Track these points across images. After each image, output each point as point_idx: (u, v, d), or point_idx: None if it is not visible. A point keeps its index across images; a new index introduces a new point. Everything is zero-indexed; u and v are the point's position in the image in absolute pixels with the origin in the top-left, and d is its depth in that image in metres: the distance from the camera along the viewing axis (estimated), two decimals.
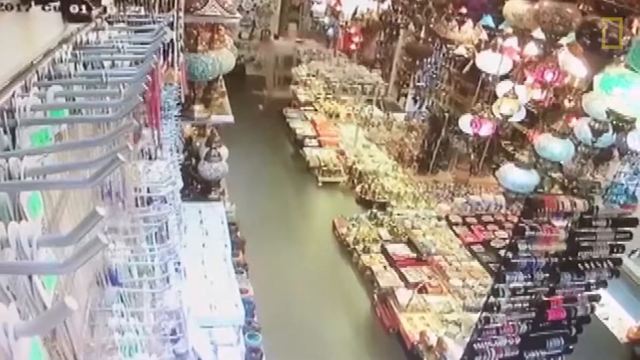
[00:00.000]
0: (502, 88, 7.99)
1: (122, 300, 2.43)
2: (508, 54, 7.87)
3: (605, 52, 5.27)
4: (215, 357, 4.99)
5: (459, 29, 9.81)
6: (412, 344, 8.43)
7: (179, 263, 3.48)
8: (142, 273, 2.62)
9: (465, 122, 8.93)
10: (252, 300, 7.06)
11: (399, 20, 14.73)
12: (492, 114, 8.08)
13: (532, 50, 7.48)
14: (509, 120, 8.05)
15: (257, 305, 7.17)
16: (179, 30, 4.62)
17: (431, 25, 11.01)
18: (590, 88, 5.74)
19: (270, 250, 10.41)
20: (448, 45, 11.15)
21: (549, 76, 7.45)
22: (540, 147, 7.03)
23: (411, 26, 13.12)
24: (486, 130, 8.45)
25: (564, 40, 6.18)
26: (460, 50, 11.22)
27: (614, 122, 4.82)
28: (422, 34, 11.96)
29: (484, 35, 8.95)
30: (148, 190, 2.96)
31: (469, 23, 8.98)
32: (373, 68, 18.49)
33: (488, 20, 7.73)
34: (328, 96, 17.45)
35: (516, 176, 7.19)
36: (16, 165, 1.30)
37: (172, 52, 3.88)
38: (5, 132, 1.45)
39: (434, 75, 14.05)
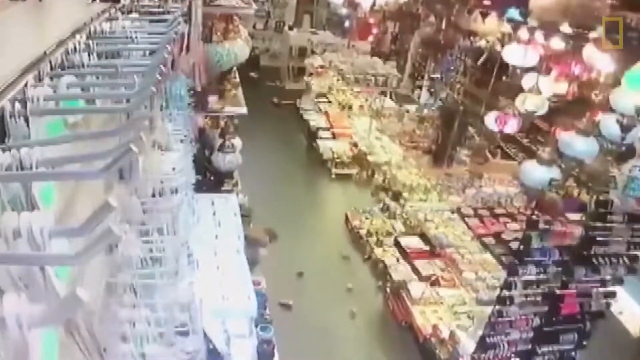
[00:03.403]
0: (528, 81, 7.95)
1: (133, 292, 2.43)
2: (534, 47, 7.82)
3: (634, 47, 5.24)
4: (228, 348, 4.99)
5: (483, 21, 9.77)
6: (424, 337, 8.43)
7: (191, 255, 3.48)
8: (154, 264, 2.62)
9: (490, 118, 8.88)
10: (264, 292, 7.06)
11: (419, 12, 14.68)
12: (517, 110, 8.05)
13: (557, 44, 7.45)
14: (533, 116, 8.02)
15: (268, 297, 7.17)
16: (197, 19, 4.61)
17: (452, 18, 10.98)
18: (618, 83, 5.69)
19: (283, 242, 10.42)
20: (471, 38, 11.13)
21: (577, 69, 7.44)
22: (564, 144, 6.98)
23: (431, 18, 13.07)
24: (512, 126, 8.41)
25: (592, 35, 6.15)
26: (481, 43, 11.18)
27: None
28: (443, 26, 11.93)
29: (506, 28, 8.92)
30: (161, 182, 2.95)
31: (492, 15, 8.96)
32: (388, 60, 18.45)
33: (513, 13, 7.71)
34: (342, 88, 17.40)
35: (537, 173, 7.14)
36: (28, 155, 1.29)
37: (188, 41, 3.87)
38: (16, 122, 1.44)
39: (450, 68, 14.01)
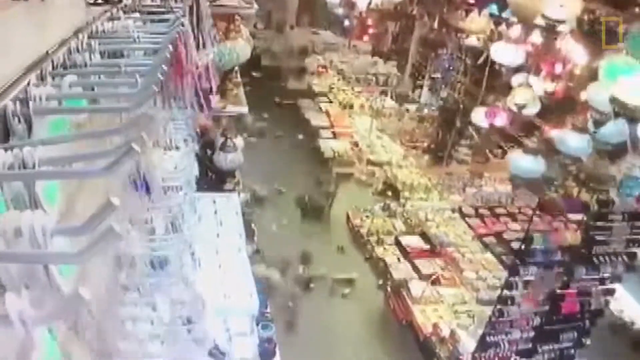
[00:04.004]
0: (517, 79, 8.00)
1: (136, 290, 2.43)
2: (521, 45, 7.87)
3: (606, 39, 5.31)
4: (229, 346, 5.00)
5: (466, 17, 9.81)
6: (424, 335, 8.44)
7: (193, 253, 3.49)
8: (156, 263, 2.63)
9: (478, 114, 8.96)
10: (265, 291, 7.08)
11: (414, 12, 14.70)
12: (507, 104, 8.11)
13: (536, 38, 7.49)
14: (524, 112, 8.05)
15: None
16: (207, 19, 4.60)
17: (444, 16, 11.00)
18: (594, 78, 5.73)
19: (285, 242, 10.46)
20: (459, 35, 11.16)
21: (558, 68, 7.48)
22: (558, 141, 7.02)
23: (425, 17, 13.10)
24: (501, 120, 8.48)
25: (565, 28, 6.18)
26: (472, 41, 11.20)
27: (617, 109, 4.82)
28: (435, 25, 11.95)
29: (490, 24, 8.97)
30: (163, 180, 2.96)
31: (476, 12, 9.00)
32: (388, 59, 18.49)
33: (493, 8, 7.75)
34: (343, 87, 17.41)
35: (523, 162, 7.23)
36: (30, 154, 1.30)
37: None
38: (19, 121, 1.45)
39: (449, 67, 14.03)
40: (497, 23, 8.12)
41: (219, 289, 5.40)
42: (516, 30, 7.73)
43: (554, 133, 7.50)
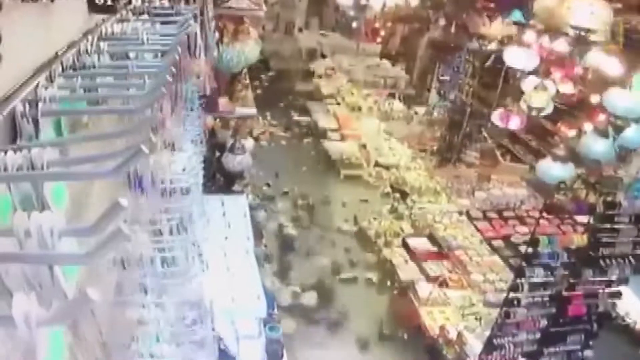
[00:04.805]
0: (528, 83, 8.00)
1: (144, 291, 2.44)
2: (536, 50, 7.86)
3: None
4: (237, 348, 5.01)
5: (490, 24, 9.80)
6: (431, 337, 8.42)
7: (200, 255, 3.49)
8: (163, 264, 2.63)
9: (495, 117, 9.00)
10: (273, 292, 7.09)
11: (430, 16, 14.69)
12: (521, 108, 8.14)
13: (562, 46, 7.47)
14: (540, 114, 8.08)
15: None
16: (210, 22, 4.61)
17: (462, 21, 11.00)
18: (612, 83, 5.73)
19: (290, 243, 10.49)
20: (481, 41, 11.14)
21: (578, 70, 7.49)
22: (581, 145, 7.05)
23: (441, 21, 13.08)
24: (515, 123, 8.51)
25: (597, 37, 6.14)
26: (492, 47, 11.22)
27: None
28: (452, 29, 11.93)
29: (511, 30, 8.96)
30: (171, 182, 2.97)
31: (499, 18, 9.01)
32: (397, 62, 18.47)
33: (517, 15, 7.75)
34: (351, 90, 17.41)
35: (553, 170, 7.25)
36: (39, 155, 1.31)
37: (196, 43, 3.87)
38: (28, 122, 1.46)
39: (457, 70, 14.02)
40: (521, 30, 8.11)
41: (227, 292, 5.41)
42: (542, 39, 7.75)
43: (572, 133, 7.55)
